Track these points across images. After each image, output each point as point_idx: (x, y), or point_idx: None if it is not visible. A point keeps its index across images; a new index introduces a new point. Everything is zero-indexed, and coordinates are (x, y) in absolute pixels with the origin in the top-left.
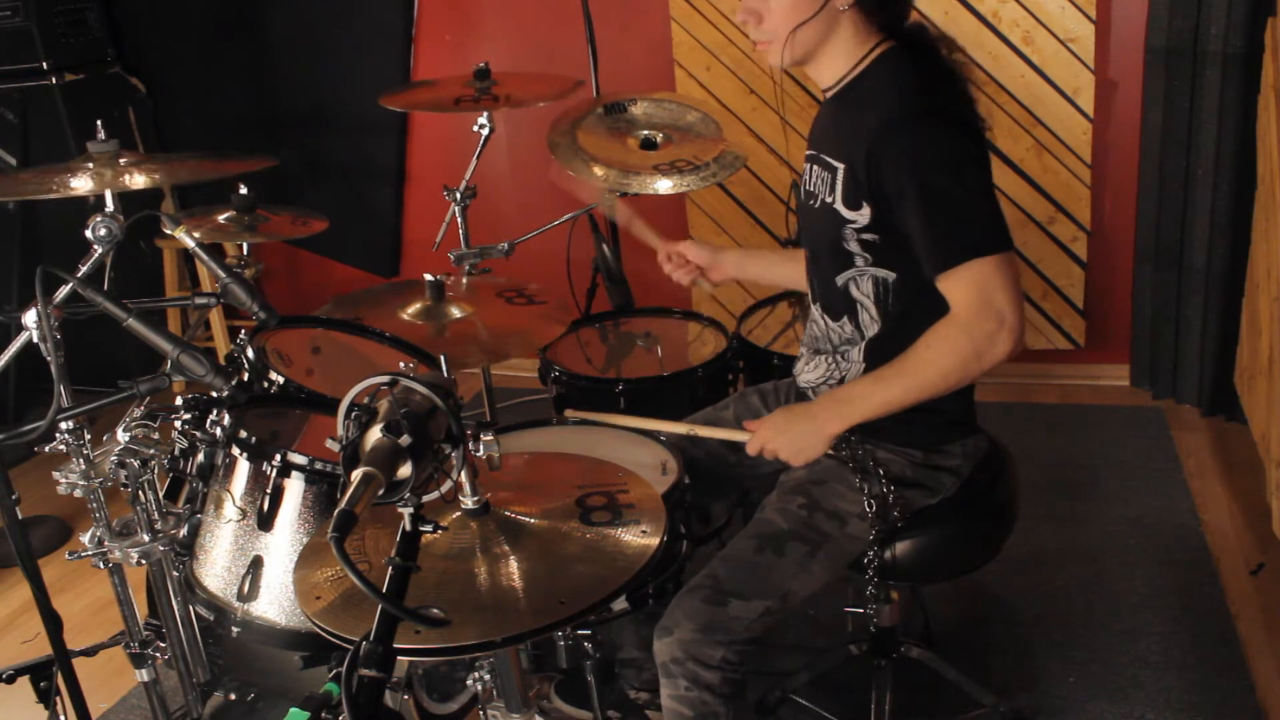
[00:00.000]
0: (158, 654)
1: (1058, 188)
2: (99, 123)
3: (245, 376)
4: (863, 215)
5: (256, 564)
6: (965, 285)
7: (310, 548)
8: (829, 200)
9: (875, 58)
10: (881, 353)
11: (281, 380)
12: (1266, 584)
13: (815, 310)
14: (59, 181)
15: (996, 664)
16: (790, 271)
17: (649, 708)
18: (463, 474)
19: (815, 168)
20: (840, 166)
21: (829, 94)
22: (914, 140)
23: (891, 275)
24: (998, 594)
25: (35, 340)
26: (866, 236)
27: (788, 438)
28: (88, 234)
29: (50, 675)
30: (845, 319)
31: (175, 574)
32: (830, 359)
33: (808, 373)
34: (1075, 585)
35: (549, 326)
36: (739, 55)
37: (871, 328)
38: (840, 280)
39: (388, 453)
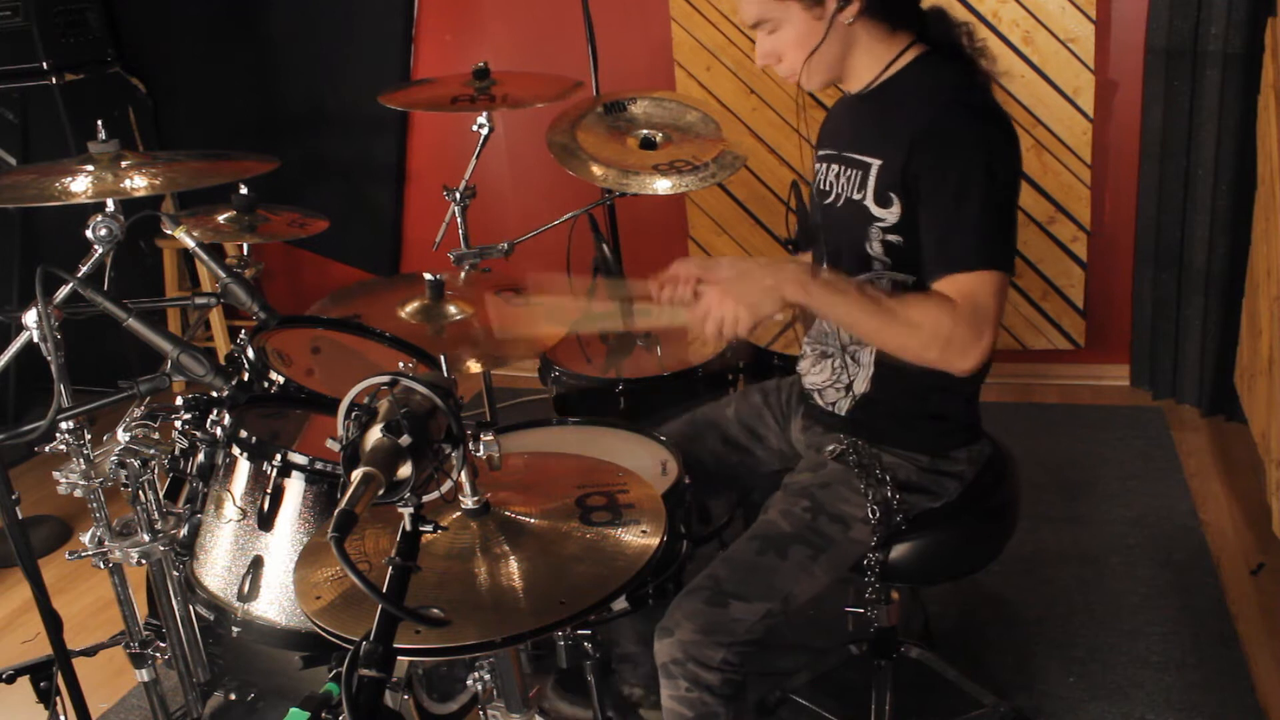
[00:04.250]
0: (158, 654)
1: (1058, 188)
2: (99, 123)
3: (245, 376)
4: (891, 213)
5: (256, 564)
6: (967, 290)
7: (310, 548)
8: (857, 197)
9: (910, 61)
10: (895, 361)
11: (281, 380)
12: (1266, 584)
13: None
14: (60, 187)
15: (996, 664)
16: None
17: (643, 705)
18: (463, 474)
19: (837, 166)
20: (875, 162)
21: (857, 90)
22: (968, 133)
23: (911, 280)
24: (998, 594)
25: (35, 340)
26: (891, 238)
27: (741, 288)
28: (88, 234)
29: (50, 675)
30: None
31: (175, 574)
32: (838, 360)
33: (814, 375)
34: (1075, 585)
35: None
36: (739, 55)
37: None
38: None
39: (388, 453)
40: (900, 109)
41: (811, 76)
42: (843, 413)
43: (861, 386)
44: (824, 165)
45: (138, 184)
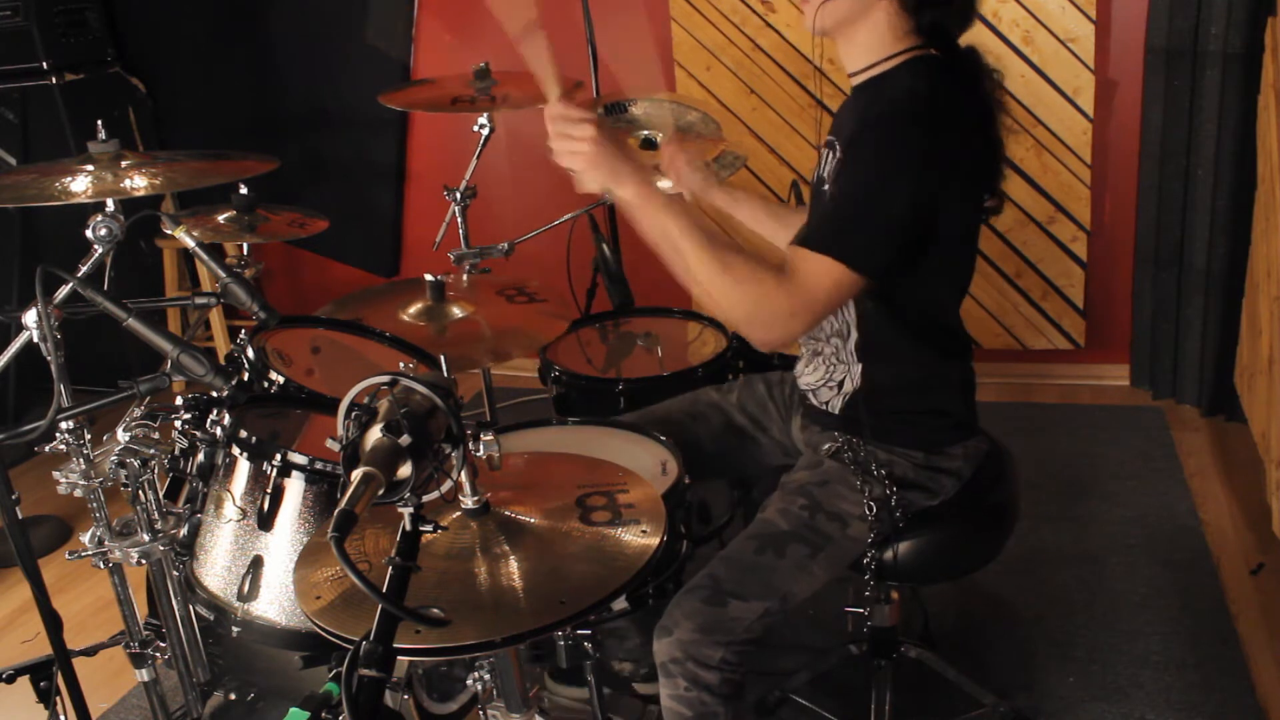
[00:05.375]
0: (158, 654)
1: (1058, 188)
2: (99, 123)
3: (245, 376)
4: None
5: (256, 564)
6: (806, 267)
7: (310, 548)
8: (828, 188)
9: (905, 60)
10: (870, 352)
11: (281, 380)
12: (1266, 584)
13: None
14: (60, 187)
15: (996, 664)
16: (771, 225)
17: (634, 679)
18: (463, 474)
19: (828, 153)
20: (841, 156)
21: (854, 81)
22: (884, 132)
23: None
24: (998, 594)
25: (35, 340)
26: None
27: (591, 161)
28: (88, 234)
29: (50, 675)
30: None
31: (175, 574)
32: (828, 360)
33: (807, 375)
34: (1075, 585)
35: (551, 323)
36: (739, 55)
37: (850, 326)
38: None
39: (388, 453)
40: (870, 107)
41: (820, 17)
42: (836, 411)
43: (851, 383)
44: (824, 151)
45: (138, 184)
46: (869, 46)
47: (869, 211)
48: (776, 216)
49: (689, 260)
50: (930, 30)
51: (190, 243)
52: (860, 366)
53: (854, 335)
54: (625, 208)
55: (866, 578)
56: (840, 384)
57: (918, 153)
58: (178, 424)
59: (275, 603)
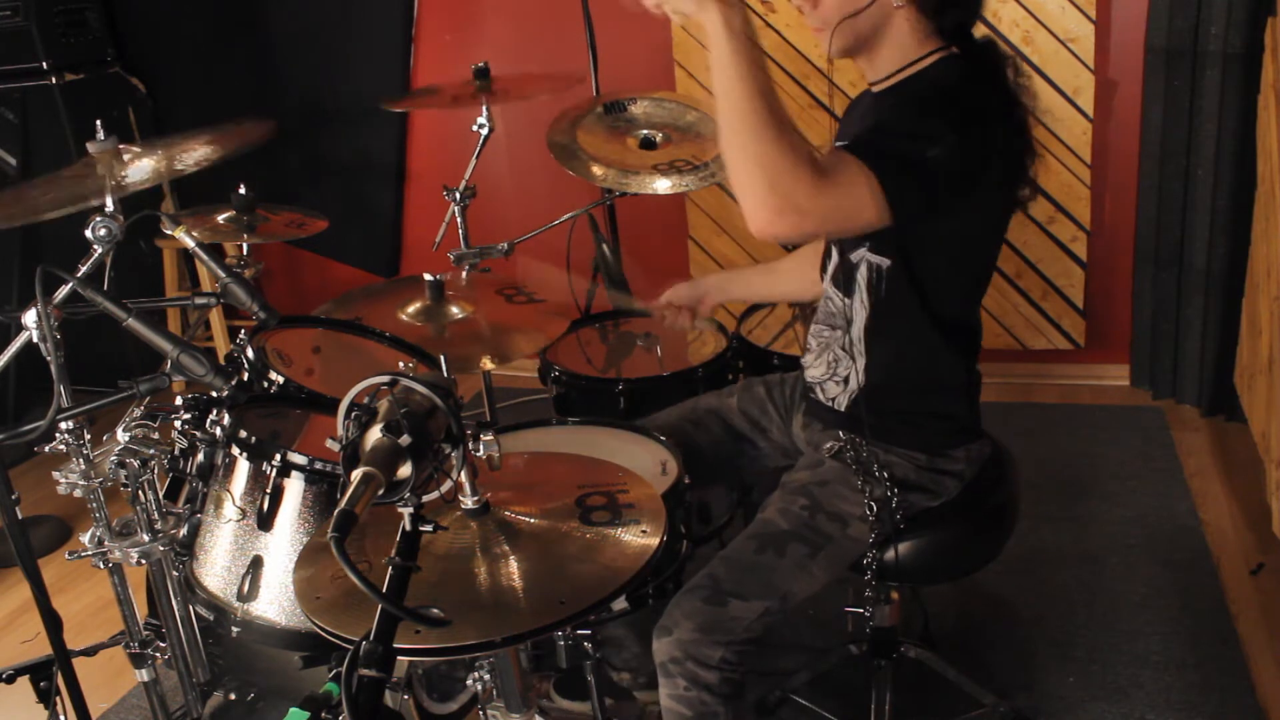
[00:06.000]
0: (158, 654)
1: (1058, 188)
2: (99, 123)
3: (245, 376)
4: None
5: (256, 564)
6: (847, 168)
7: (310, 548)
8: None
9: (933, 61)
10: (880, 341)
11: (281, 380)
12: (1266, 584)
13: (828, 286)
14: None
15: (996, 664)
16: (769, 285)
17: (634, 688)
18: (463, 474)
19: None
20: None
21: (876, 87)
22: (920, 106)
23: (886, 262)
24: (998, 594)
25: (35, 340)
26: None
27: None
28: (88, 234)
29: (50, 675)
30: (853, 296)
31: (175, 574)
32: (833, 353)
33: (814, 368)
34: (1075, 585)
35: (551, 323)
36: None
37: (861, 312)
38: (854, 257)
39: (388, 453)
40: (900, 99)
41: (836, 39)
42: (842, 408)
43: (857, 379)
44: None
45: (143, 166)
46: (892, 56)
47: (908, 149)
48: (770, 273)
49: (739, 104)
50: (950, 31)
51: (190, 243)
52: (865, 359)
53: (865, 314)
54: (703, 31)
55: (867, 578)
56: (846, 379)
57: (931, 114)
58: (178, 424)
59: (275, 603)
